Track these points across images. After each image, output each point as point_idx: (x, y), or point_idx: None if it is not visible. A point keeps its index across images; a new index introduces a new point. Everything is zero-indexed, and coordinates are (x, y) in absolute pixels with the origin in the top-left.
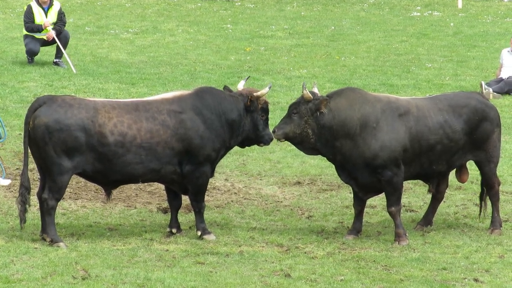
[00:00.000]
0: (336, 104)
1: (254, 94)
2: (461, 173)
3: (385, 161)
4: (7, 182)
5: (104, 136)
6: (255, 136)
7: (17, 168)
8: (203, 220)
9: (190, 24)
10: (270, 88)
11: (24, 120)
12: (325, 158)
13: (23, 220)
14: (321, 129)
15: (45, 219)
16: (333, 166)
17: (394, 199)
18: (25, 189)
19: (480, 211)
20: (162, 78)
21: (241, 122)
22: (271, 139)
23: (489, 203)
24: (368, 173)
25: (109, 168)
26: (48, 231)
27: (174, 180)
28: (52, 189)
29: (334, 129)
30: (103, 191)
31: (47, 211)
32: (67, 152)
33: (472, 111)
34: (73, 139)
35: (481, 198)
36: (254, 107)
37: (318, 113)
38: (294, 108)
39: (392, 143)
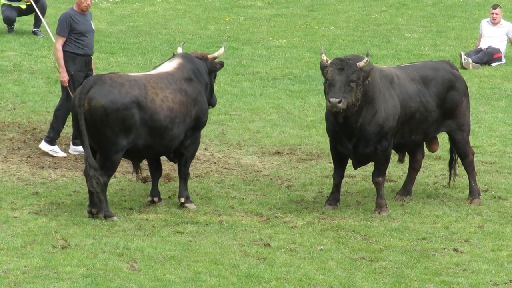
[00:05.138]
0: None
1: (211, 55)
2: (432, 143)
3: (388, 128)
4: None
5: (155, 112)
6: (210, 97)
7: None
8: (187, 188)
9: None
10: (224, 48)
11: (77, 102)
12: (303, 129)
13: (101, 202)
14: (363, 96)
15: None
16: (312, 136)
17: (383, 169)
18: (94, 170)
19: (450, 178)
20: (141, 48)
21: (208, 85)
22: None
23: (459, 171)
24: (373, 142)
25: (158, 143)
26: (101, 206)
27: (177, 148)
28: (106, 166)
29: (369, 95)
30: (132, 166)
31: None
32: (124, 130)
33: (439, 82)
34: (130, 117)
35: (450, 165)
36: (216, 69)
37: (367, 80)
38: (354, 77)
39: (393, 110)
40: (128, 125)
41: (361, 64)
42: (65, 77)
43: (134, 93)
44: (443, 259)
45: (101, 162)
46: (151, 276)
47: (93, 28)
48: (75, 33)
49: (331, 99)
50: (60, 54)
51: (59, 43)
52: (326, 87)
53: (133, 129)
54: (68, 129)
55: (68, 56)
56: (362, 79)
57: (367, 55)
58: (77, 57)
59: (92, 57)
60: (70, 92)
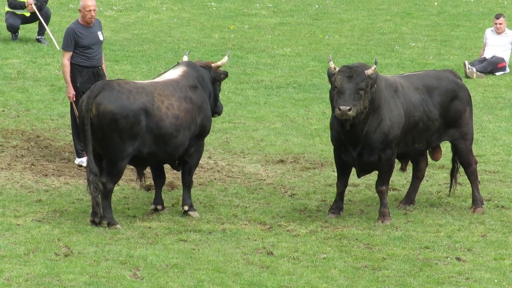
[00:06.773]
0: None
1: (214, 64)
2: (435, 152)
3: (393, 137)
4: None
5: (161, 119)
6: (214, 106)
7: (0, 145)
8: (190, 196)
9: (174, 1)
10: (228, 57)
11: (84, 107)
12: (307, 137)
13: (99, 206)
14: (369, 104)
15: (102, 203)
16: (316, 145)
17: (387, 178)
18: (95, 175)
19: (451, 187)
20: (146, 56)
21: (212, 93)
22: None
23: (462, 180)
24: (377, 150)
25: (163, 150)
26: (105, 214)
27: (181, 156)
28: (112, 173)
29: (375, 103)
30: (136, 174)
31: (104, 194)
32: (131, 137)
33: (443, 92)
34: (137, 124)
35: (452, 174)
36: (219, 78)
37: (374, 88)
38: (362, 85)
39: (398, 119)
40: (135, 132)
41: (369, 72)
42: (70, 92)
43: (142, 100)
44: (445, 268)
45: (108, 169)
46: (154, 284)
47: (101, 38)
48: (80, 47)
49: (341, 107)
50: (67, 69)
51: (65, 58)
52: (334, 94)
53: (139, 136)
54: (71, 137)
55: (75, 68)
56: (370, 86)
57: (376, 63)
58: (84, 69)
59: (104, 67)
60: (75, 109)
